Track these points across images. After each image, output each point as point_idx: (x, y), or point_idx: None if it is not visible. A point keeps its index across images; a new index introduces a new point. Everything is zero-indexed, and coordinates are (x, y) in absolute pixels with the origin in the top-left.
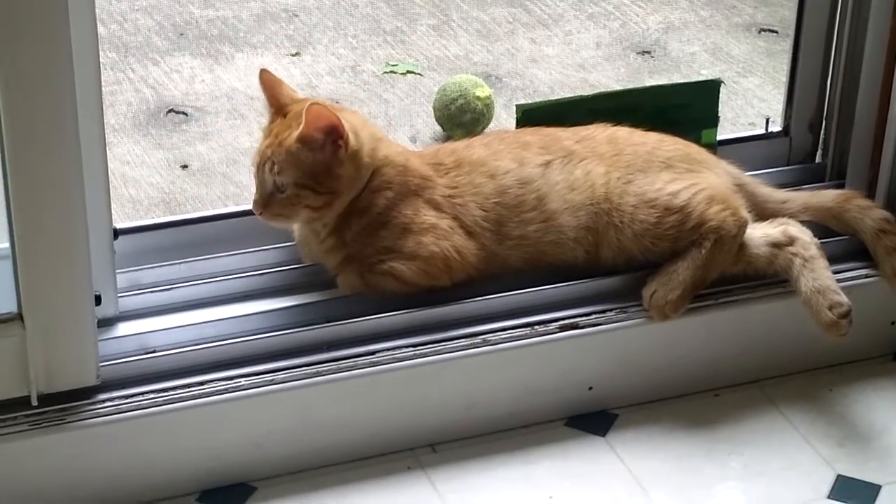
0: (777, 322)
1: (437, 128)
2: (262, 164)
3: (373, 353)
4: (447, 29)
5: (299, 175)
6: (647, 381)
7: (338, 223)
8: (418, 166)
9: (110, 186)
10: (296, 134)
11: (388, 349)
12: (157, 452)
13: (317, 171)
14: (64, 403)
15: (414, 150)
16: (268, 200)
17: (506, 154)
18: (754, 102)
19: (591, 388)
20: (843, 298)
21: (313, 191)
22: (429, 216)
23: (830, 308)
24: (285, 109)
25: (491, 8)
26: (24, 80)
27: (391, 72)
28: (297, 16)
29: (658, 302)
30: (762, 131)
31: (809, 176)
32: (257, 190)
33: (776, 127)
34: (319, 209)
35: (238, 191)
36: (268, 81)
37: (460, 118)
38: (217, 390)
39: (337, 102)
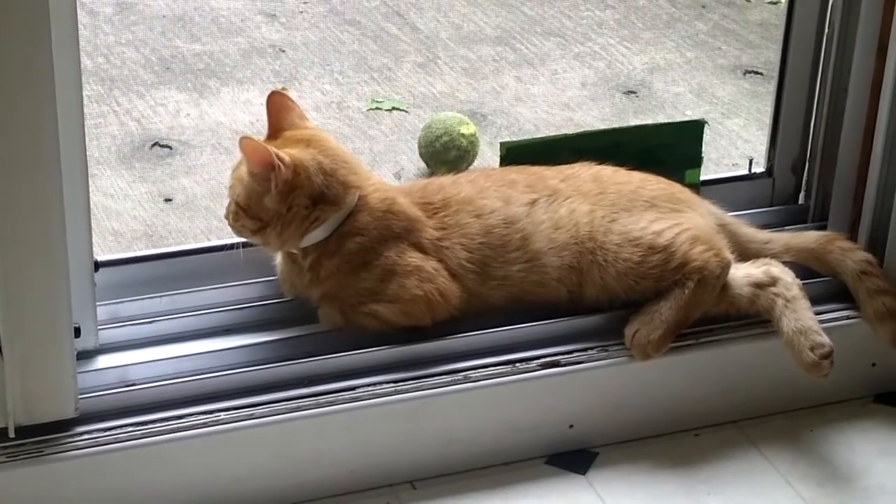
0: (758, 362)
1: (422, 164)
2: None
3: (353, 388)
4: (433, 66)
5: (238, 196)
6: (627, 419)
7: (313, 261)
8: (405, 209)
9: (93, 219)
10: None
11: (368, 385)
12: (135, 486)
13: (250, 196)
14: (42, 436)
15: (400, 186)
16: (227, 211)
17: (492, 192)
18: (738, 143)
19: (571, 427)
20: (825, 339)
21: (245, 213)
22: (414, 258)
23: (812, 349)
24: (279, 134)
25: (477, 46)
26: (5, 110)
27: (377, 108)
28: (283, 51)
29: (640, 341)
30: (745, 172)
31: (792, 217)
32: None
33: (759, 168)
34: (255, 233)
35: (221, 225)
36: (274, 104)
37: (445, 155)
38: (196, 424)
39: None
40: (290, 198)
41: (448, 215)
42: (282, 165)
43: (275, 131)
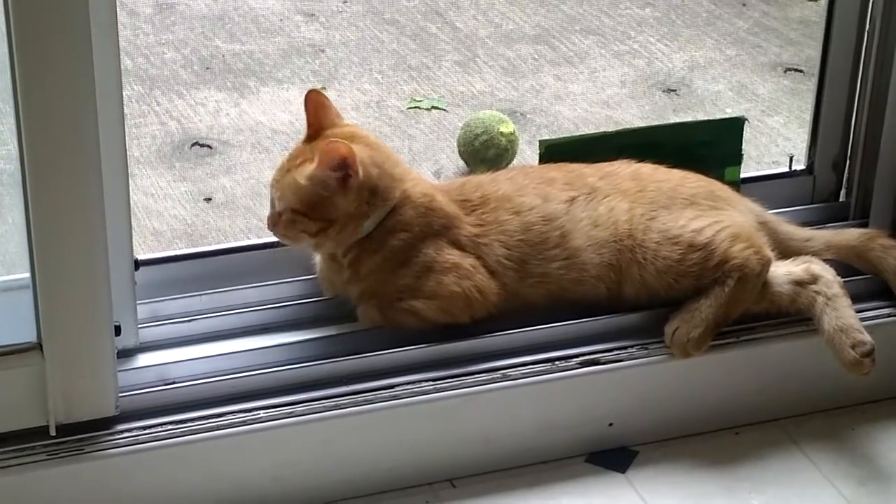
0: (799, 360)
1: (461, 163)
2: (272, 186)
3: (392, 386)
4: (472, 65)
5: (296, 202)
6: (667, 418)
7: (353, 258)
8: (444, 205)
9: (133, 218)
10: (307, 171)
11: (407, 383)
12: (175, 484)
13: (314, 201)
14: (82, 434)
15: (438, 183)
16: (275, 220)
17: (531, 190)
18: (779, 141)
19: (611, 425)
20: (867, 337)
21: (307, 217)
22: (452, 255)
23: (853, 347)
24: (319, 133)
25: (516, 45)
26: (46, 111)
27: (416, 107)
28: (323, 51)
29: (680, 339)
30: (786, 169)
31: (833, 214)
32: (270, 208)
33: (800, 165)
34: (316, 235)
35: (261, 224)
36: (313, 102)
37: (484, 154)
38: (236, 422)
39: None
40: (359, 194)
41: (486, 212)
42: (359, 166)
43: (315, 130)
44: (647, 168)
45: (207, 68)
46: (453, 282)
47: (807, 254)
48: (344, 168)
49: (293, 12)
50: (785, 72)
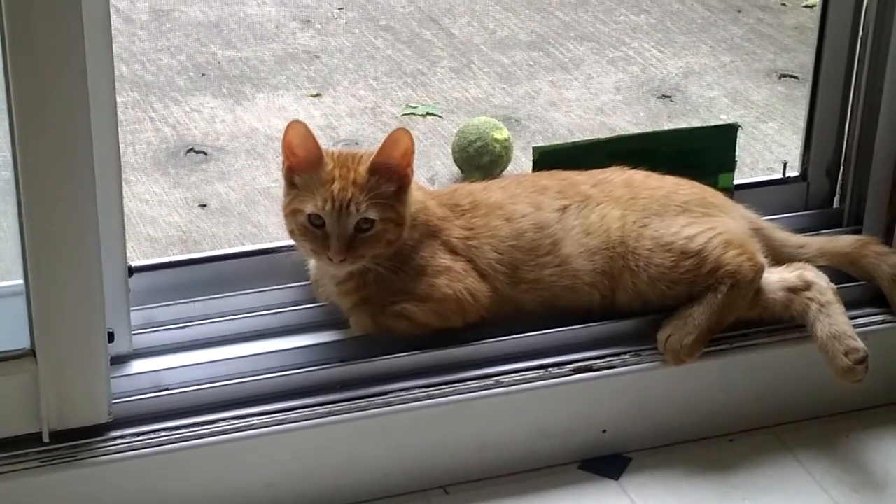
0: (793, 367)
1: (456, 169)
2: (344, 207)
3: (385, 393)
4: (467, 72)
5: (383, 208)
6: (661, 424)
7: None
8: (435, 207)
9: (128, 225)
10: (368, 163)
11: (400, 390)
12: (168, 491)
13: (392, 202)
14: (75, 440)
15: (429, 189)
16: (350, 243)
17: (523, 198)
18: (773, 147)
19: (604, 432)
20: (860, 344)
21: (395, 223)
22: (444, 259)
23: (846, 354)
24: (324, 158)
25: (511, 51)
26: (39, 118)
27: (411, 113)
28: (318, 57)
29: (673, 346)
30: (780, 176)
31: (827, 221)
32: (336, 237)
33: (794, 172)
34: (393, 243)
35: (255, 230)
36: (307, 133)
37: (479, 160)
38: (229, 429)
39: (356, 144)
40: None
41: (476, 217)
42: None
43: (320, 155)
44: (639, 175)
45: (203, 75)
46: (445, 284)
47: (800, 260)
48: (407, 156)
49: (289, 19)
50: (779, 78)
